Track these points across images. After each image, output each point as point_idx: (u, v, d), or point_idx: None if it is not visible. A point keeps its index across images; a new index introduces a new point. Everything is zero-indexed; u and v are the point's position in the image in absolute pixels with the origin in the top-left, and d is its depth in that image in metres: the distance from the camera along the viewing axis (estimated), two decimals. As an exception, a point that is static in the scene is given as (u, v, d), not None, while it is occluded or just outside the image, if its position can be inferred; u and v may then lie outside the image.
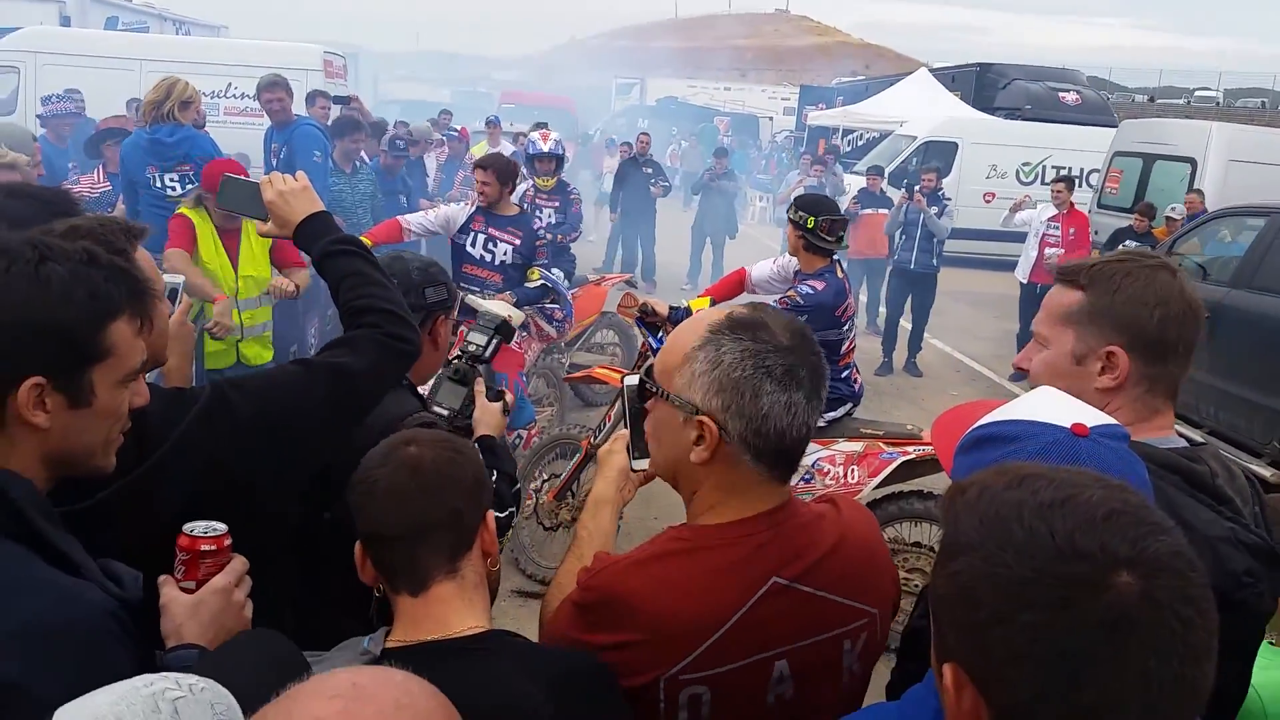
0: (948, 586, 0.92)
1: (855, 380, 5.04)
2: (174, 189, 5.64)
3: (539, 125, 9.46)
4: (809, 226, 4.84)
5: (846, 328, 4.87)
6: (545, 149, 8.27)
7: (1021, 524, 0.87)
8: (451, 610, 1.41)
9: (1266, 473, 6.79)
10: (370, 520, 1.44)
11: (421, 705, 0.77)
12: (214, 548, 1.47)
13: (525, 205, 7.84)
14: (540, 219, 8.06)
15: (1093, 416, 1.23)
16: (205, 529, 1.48)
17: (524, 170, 8.19)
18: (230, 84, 12.73)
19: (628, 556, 1.48)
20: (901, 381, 9.92)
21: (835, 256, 4.97)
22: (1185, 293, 1.59)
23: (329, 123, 8.16)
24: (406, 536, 1.42)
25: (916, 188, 10.40)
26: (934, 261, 10.23)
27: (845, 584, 1.46)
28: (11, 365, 1.27)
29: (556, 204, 8.32)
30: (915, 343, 10.61)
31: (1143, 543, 0.85)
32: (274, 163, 7.05)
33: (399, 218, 6.48)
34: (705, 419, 1.40)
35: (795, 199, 5.19)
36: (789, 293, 4.80)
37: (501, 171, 6.22)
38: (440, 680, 1.20)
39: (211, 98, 11.96)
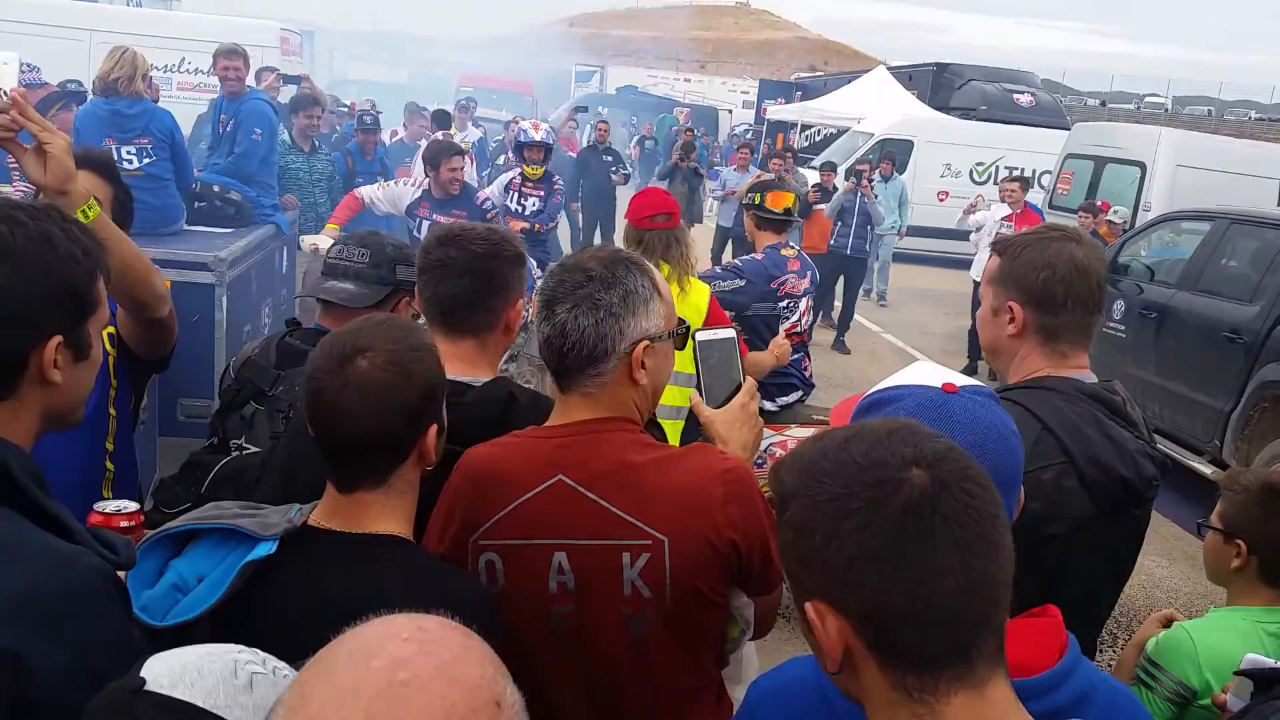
0: (787, 535, 1.05)
1: (806, 368, 5.11)
2: (130, 162, 5.52)
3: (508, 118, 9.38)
4: (757, 203, 4.96)
5: (784, 304, 4.83)
6: (537, 138, 8.28)
7: (827, 458, 1.03)
8: (369, 515, 1.54)
9: (1207, 470, 6.95)
10: (315, 425, 1.53)
11: (481, 649, 0.82)
12: (131, 524, 1.59)
13: (510, 193, 7.97)
14: (524, 207, 8.12)
15: (962, 380, 1.39)
16: (117, 508, 1.59)
17: (511, 157, 8.23)
18: (184, 58, 12.50)
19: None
20: (855, 374, 10.02)
21: (790, 242, 5.05)
22: (1075, 258, 1.90)
23: (279, 99, 8.03)
24: (343, 450, 1.52)
25: (864, 175, 11.07)
26: (866, 246, 11.38)
27: (633, 504, 1.60)
28: (40, 326, 1.33)
29: (541, 193, 8.32)
30: (845, 322, 11.39)
31: (922, 444, 1.02)
32: (220, 133, 6.91)
33: (357, 190, 6.49)
34: None
35: (749, 185, 5.36)
36: (719, 267, 5.06)
37: (456, 153, 6.43)
38: (330, 567, 1.45)
39: (164, 71, 11.71)
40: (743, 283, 4.73)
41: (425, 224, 6.21)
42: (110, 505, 1.60)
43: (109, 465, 2.44)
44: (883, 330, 12.31)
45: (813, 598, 1.02)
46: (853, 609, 0.98)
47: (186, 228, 5.90)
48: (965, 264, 11.01)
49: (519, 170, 8.33)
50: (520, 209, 8.09)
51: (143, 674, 1.03)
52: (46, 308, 1.33)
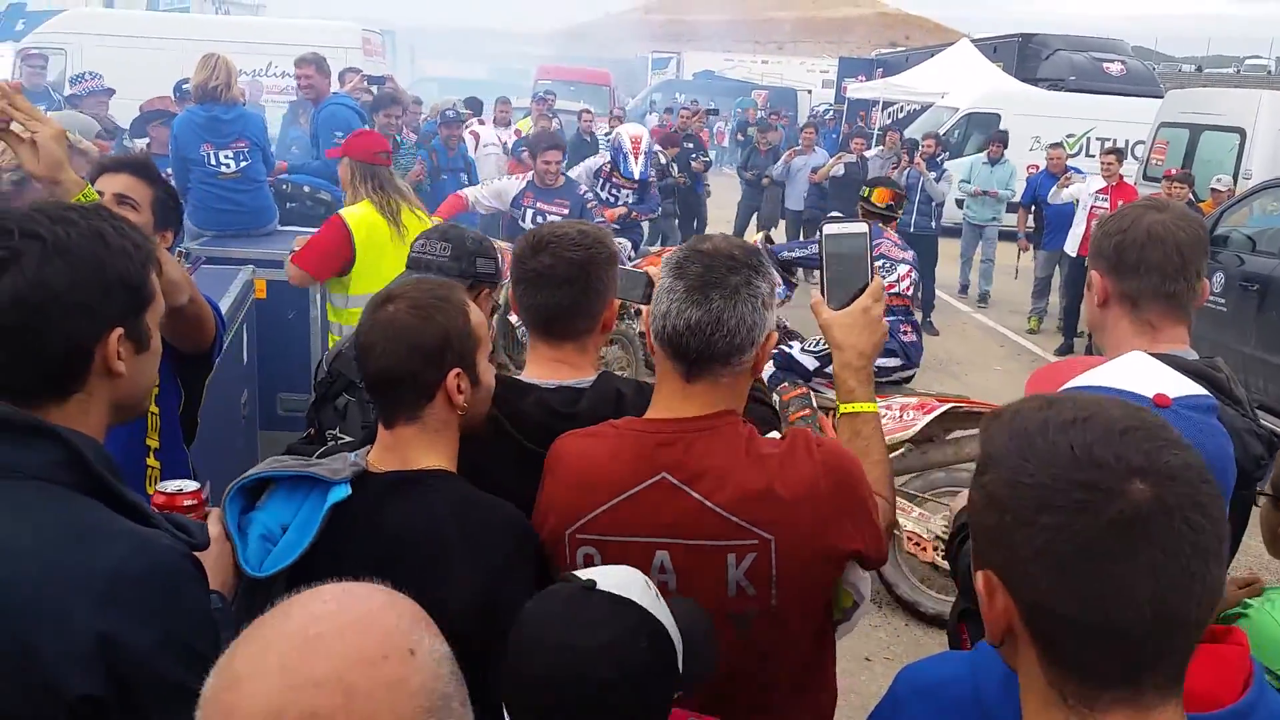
0: (979, 497, 0.99)
1: (906, 333, 5.29)
2: (229, 166, 5.72)
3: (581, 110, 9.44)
4: (864, 195, 6.04)
5: (880, 263, 5.19)
6: (635, 174, 8.17)
7: (1045, 437, 0.94)
8: (411, 449, 1.69)
9: (1316, 447, 6.69)
10: (356, 363, 1.74)
11: (402, 605, 0.85)
12: (194, 502, 1.67)
13: (600, 180, 8.11)
14: (617, 198, 8.23)
15: (1177, 387, 1.28)
16: (179, 487, 1.68)
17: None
18: (270, 63, 12.86)
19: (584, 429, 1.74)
20: (944, 356, 9.85)
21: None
22: (1150, 223, 1.88)
23: (363, 100, 8.20)
24: (374, 383, 1.71)
25: (917, 152, 10.65)
26: (932, 224, 10.79)
27: (738, 503, 1.57)
28: (100, 319, 1.38)
29: (635, 186, 8.41)
30: (929, 302, 10.80)
31: (1156, 454, 0.91)
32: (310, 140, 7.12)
33: (460, 191, 6.67)
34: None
35: (868, 181, 6.22)
36: None
37: (554, 146, 6.62)
38: (385, 503, 1.61)
39: (252, 76, 12.08)
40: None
41: (530, 213, 6.38)
42: (171, 485, 1.69)
43: (152, 462, 2.47)
44: (973, 310, 12.07)
45: (987, 568, 0.97)
46: (1025, 599, 0.93)
47: (280, 228, 6.09)
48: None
49: (610, 161, 8.33)
50: (612, 199, 8.21)
51: (587, 578, 1.34)
52: (105, 301, 1.38)
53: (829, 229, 1.87)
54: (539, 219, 6.38)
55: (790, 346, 5.27)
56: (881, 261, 5.24)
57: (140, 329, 1.45)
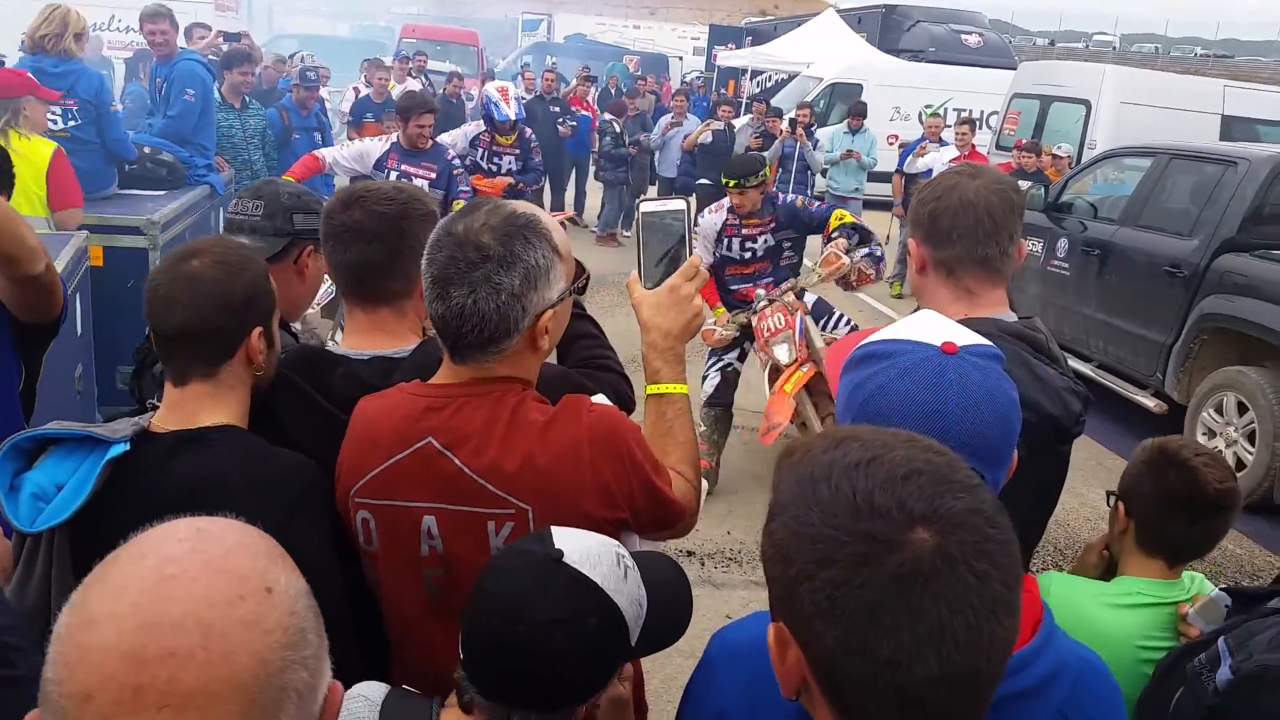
0: (766, 546, 0.94)
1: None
2: (55, 123, 5.35)
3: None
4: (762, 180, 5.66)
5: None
6: (510, 115, 8.17)
7: (829, 484, 0.90)
8: (202, 406, 1.67)
9: (1151, 403, 7.09)
10: (150, 318, 1.68)
11: (258, 544, 0.87)
12: None
13: (479, 150, 8.03)
14: (499, 166, 8.16)
15: (965, 337, 1.27)
16: None
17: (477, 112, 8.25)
18: (114, 16, 12.13)
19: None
20: (806, 321, 10.04)
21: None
22: (963, 190, 1.90)
23: (214, 56, 7.84)
24: (173, 338, 1.66)
25: (782, 120, 10.87)
26: (807, 192, 11.08)
27: (496, 472, 1.54)
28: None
29: (517, 151, 8.32)
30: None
31: (939, 500, 0.87)
32: (156, 97, 6.73)
33: (316, 152, 6.40)
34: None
35: (729, 171, 5.69)
36: (797, 200, 5.97)
37: (429, 110, 6.42)
38: (171, 459, 1.59)
39: (94, 30, 11.36)
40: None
41: (394, 175, 6.13)
42: None
43: None
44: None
45: (779, 620, 0.93)
46: (813, 657, 0.89)
47: (119, 192, 5.78)
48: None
49: (487, 129, 8.25)
50: (494, 169, 8.15)
51: (559, 546, 1.34)
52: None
53: (645, 206, 1.82)
54: (404, 181, 6.21)
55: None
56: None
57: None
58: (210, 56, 7.98)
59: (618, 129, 12.91)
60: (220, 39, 8.92)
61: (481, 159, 8.16)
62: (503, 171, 8.14)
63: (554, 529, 1.40)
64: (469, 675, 1.36)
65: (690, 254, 1.81)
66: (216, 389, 1.68)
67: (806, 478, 0.92)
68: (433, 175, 6.29)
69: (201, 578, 0.79)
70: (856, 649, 0.85)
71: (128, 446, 1.59)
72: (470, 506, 1.56)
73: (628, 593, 1.38)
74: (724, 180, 5.64)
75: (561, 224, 5.80)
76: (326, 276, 2.15)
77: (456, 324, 1.53)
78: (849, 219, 5.53)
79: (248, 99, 7.70)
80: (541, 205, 12.61)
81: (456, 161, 6.76)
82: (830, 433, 0.99)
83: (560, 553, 1.35)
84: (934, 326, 1.30)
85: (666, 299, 1.79)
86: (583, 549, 1.37)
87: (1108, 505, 2.25)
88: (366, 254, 1.84)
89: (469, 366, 1.59)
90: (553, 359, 1.96)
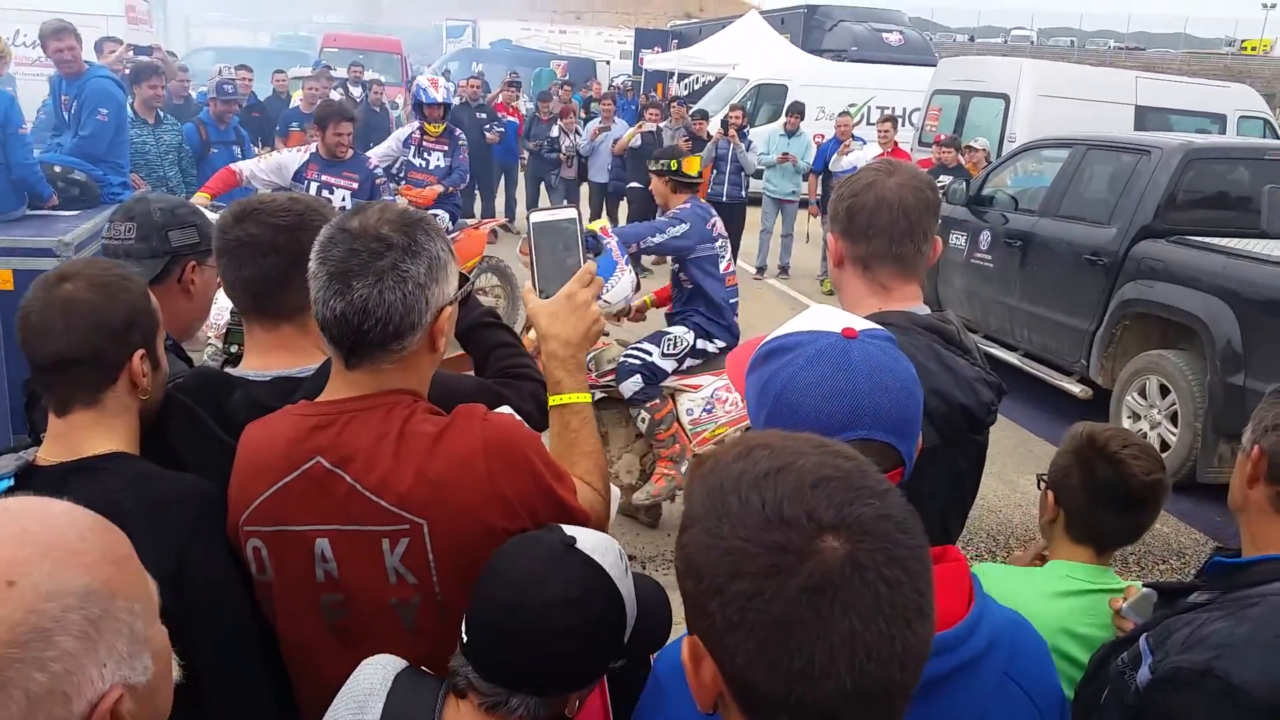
0: (678, 559, 0.93)
1: (737, 312, 5.39)
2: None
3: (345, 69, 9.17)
4: (674, 169, 5.30)
5: (719, 244, 5.22)
6: (438, 98, 8.25)
7: (739, 495, 0.88)
8: (86, 435, 1.59)
9: (1076, 389, 7.25)
10: (25, 347, 1.61)
11: (45, 539, 0.85)
12: None
13: (410, 148, 8.02)
14: (428, 161, 8.15)
15: (860, 323, 1.33)
16: None
17: (411, 114, 8.26)
18: (18, 30, 11.77)
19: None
20: (741, 322, 10.09)
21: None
22: (879, 187, 1.91)
23: (126, 71, 7.65)
24: (50, 367, 1.58)
25: (732, 124, 11.05)
26: (742, 194, 11.19)
27: (388, 487, 1.49)
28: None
29: (445, 148, 8.31)
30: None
31: (849, 508, 0.85)
32: (65, 115, 6.54)
33: (233, 165, 6.27)
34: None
35: (655, 154, 5.62)
36: (662, 217, 5.25)
37: (346, 118, 6.37)
38: (58, 493, 1.48)
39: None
40: (686, 225, 5.09)
41: (314, 186, 6.08)
42: None
43: None
44: (766, 276, 12.43)
45: (691, 634, 0.92)
46: (727, 671, 0.87)
47: (29, 213, 5.61)
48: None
49: (419, 125, 8.28)
50: (424, 163, 8.16)
51: (571, 534, 1.43)
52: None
53: (535, 216, 1.80)
54: (324, 193, 6.11)
55: (649, 353, 5.12)
56: (720, 242, 5.23)
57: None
58: (124, 71, 7.79)
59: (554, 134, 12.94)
60: (130, 53, 8.69)
61: (413, 156, 8.14)
62: (431, 167, 8.12)
63: (562, 526, 1.47)
64: (470, 657, 1.39)
65: (584, 261, 1.79)
66: (101, 416, 1.61)
67: (717, 489, 0.90)
68: (355, 185, 6.23)
69: None
70: (768, 663, 0.83)
71: (12, 483, 1.52)
72: (363, 525, 1.50)
73: (628, 587, 1.45)
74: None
75: (493, 231, 5.72)
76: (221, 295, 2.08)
77: (359, 320, 1.46)
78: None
79: (161, 114, 7.53)
80: (471, 211, 12.60)
81: (379, 170, 6.68)
82: (742, 440, 0.97)
83: (573, 539, 1.42)
84: (829, 317, 1.35)
85: (564, 307, 1.76)
86: (592, 540, 1.44)
87: (1038, 489, 2.27)
88: (263, 268, 1.76)
89: (365, 373, 1.53)
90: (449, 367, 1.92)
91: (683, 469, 5.14)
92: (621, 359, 5.10)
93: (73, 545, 0.85)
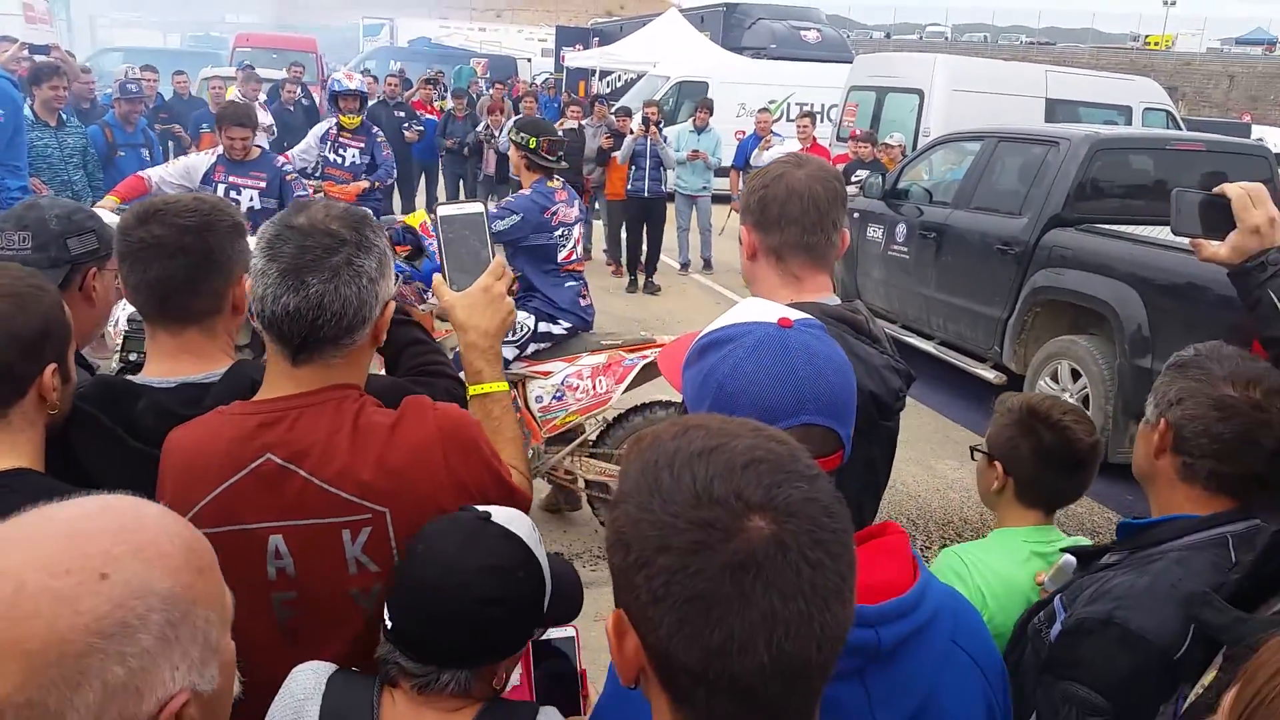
0: (610, 532, 0.94)
1: (584, 297, 5.24)
2: None
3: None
4: (531, 146, 5.16)
5: (559, 233, 5.10)
6: (352, 86, 8.27)
7: (671, 471, 0.90)
8: None
9: (990, 375, 7.41)
10: None
11: (139, 538, 0.88)
12: None
13: (327, 143, 8.00)
14: (344, 158, 8.09)
15: (795, 314, 1.35)
16: None
17: (327, 107, 8.32)
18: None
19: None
20: (664, 314, 10.15)
21: (555, 175, 5.26)
22: (790, 178, 1.95)
23: (19, 71, 7.40)
24: None
25: (651, 120, 11.16)
26: (662, 188, 11.27)
27: (347, 478, 1.52)
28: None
29: (362, 144, 8.23)
30: (652, 263, 11.46)
31: (777, 489, 0.87)
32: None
33: (141, 172, 6.14)
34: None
35: (516, 122, 5.53)
36: (494, 207, 5.10)
37: (239, 123, 6.27)
38: None
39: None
40: (517, 218, 4.98)
41: (223, 188, 6.03)
42: None
43: None
44: (691, 271, 12.49)
45: (619, 607, 0.93)
46: (650, 645, 0.89)
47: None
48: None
49: (335, 120, 8.21)
50: (339, 159, 8.10)
51: (484, 510, 1.50)
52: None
53: (442, 210, 1.84)
54: (231, 194, 6.02)
55: None
56: (560, 231, 5.11)
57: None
58: (19, 71, 7.53)
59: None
60: (25, 51, 8.41)
61: (329, 152, 8.10)
62: (348, 164, 8.07)
63: (476, 506, 1.53)
64: (398, 641, 1.43)
65: (494, 255, 1.85)
66: (5, 432, 1.54)
67: (650, 465, 0.92)
68: (263, 184, 6.20)
69: (45, 544, 0.83)
70: (689, 636, 0.85)
71: None
72: (321, 518, 1.52)
73: (543, 556, 1.51)
74: None
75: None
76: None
77: (312, 316, 1.48)
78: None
79: (64, 116, 7.28)
80: (391, 209, 12.44)
81: (289, 168, 6.59)
82: (680, 420, 0.99)
83: (488, 514, 1.49)
84: (762, 309, 1.37)
85: (480, 299, 1.82)
86: (506, 514, 1.51)
87: (973, 460, 2.39)
88: (169, 271, 1.70)
89: (313, 368, 1.55)
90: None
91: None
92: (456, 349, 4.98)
93: (163, 548, 0.88)
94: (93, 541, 0.84)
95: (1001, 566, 2.17)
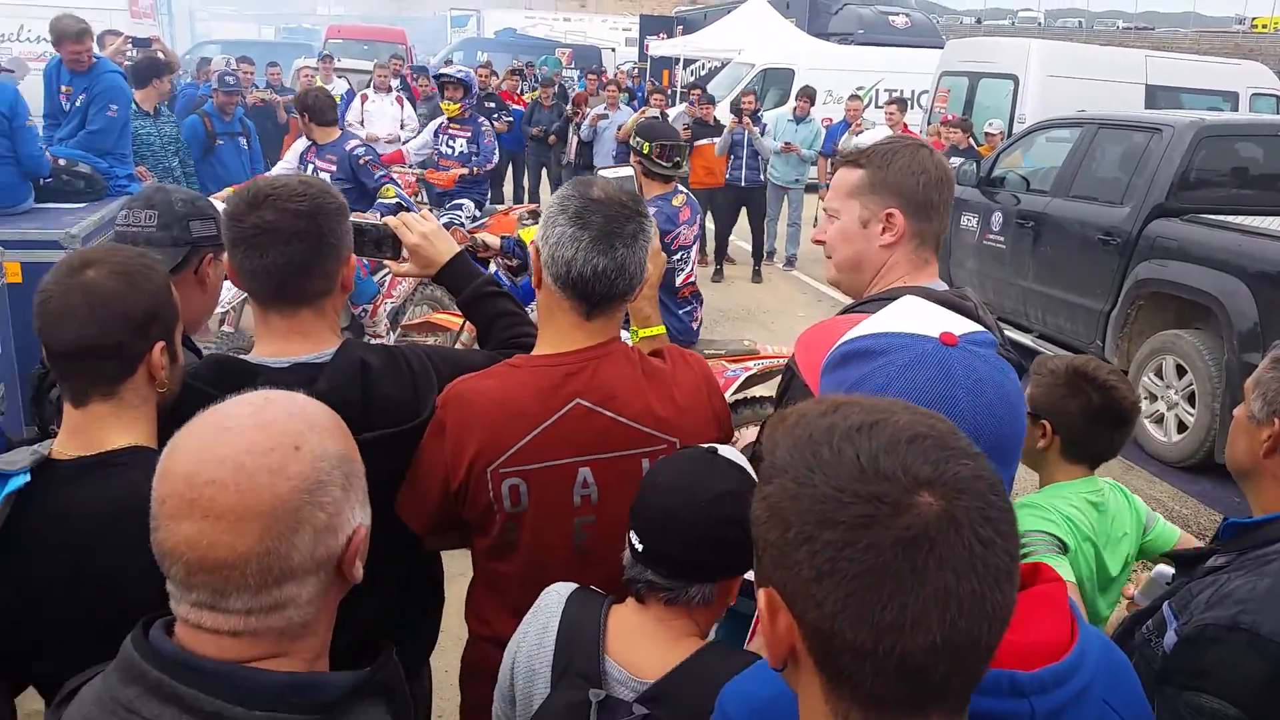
0: (761, 509, 0.92)
1: (696, 318, 4.97)
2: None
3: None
4: (644, 152, 4.92)
5: (678, 257, 4.75)
6: (452, 71, 8.54)
7: (830, 446, 0.87)
8: (105, 427, 1.56)
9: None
10: (42, 333, 1.57)
11: (309, 414, 1.11)
12: None
13: (440, 137, 8.28)
14: (453, 149, 8.27)
15: (959, 325, 1.18)
16: None
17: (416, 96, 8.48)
18: (22, 26, 11.74)
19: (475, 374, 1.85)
20: (753, 305, 10.06)
21: (678, 187, 4.99)
22: (939, 163, 1.97)
23: (125, 65, 7.64)
24: (69, 355, 1.55)
25: (744, 110, 10.86)
26: (760, 177, 11.08)
27: (644, 415, 1.82)
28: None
29: (468, 134, 8.34)
30: (759, 252, 11.34)
31: (945, 465, 0.85)
32: (65, 106, 6.51)
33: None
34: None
35: (637, 126, 5.22)
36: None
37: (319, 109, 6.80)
38: (75, 488, 1.51)
39: (3, 40, 11.03)
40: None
41: (310, 168, 6.54)
42: None
43: None
44: (780, 262, 12.35)
45: (769, 586, 0.90)
46: (808, 622, 0.86)
47: (36, 206, 5.60)
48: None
49: (444, 115, 8.42)
50: (450, 150, 8.31)
51: (711, 445, 1.71)
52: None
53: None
54: (315, 175, 6.24)
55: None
56: (679, 255, 4.72)
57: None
58: (124, 63, 7.77)
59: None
60: (129, 44, 8.69)
61: (442, 145, 8.32)
62: (456, 155, 8.22)
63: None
64: (648, 561, 1.58)
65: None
66: (119, 408, 1.57)
67: (805, 440, 0.90)
68: (333, 168, 6.62)
69: (246, 432, 1.05)
70: (857, 613, 0.82)
71: (28, 478, 1.47)
72: (625, 450, 1.82)
73: None
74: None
75: (523, 215, 5.61)
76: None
77: (614, 275, 1.76)
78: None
79: (160, 106, 7.54)
80: (500, 195, 12.60)
81: (360, 150, 6.76)
82: (824, 399, 0.96)
83: (714, 448, 1.67)
84: (924, 315, 1.21)
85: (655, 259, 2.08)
86: (726, 449, 1.68)
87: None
88: (286, 256, 1.72)
89: (601, 322, 1.82)
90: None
91: None
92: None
93: (325, 423, 1.12)
94: (278, 424, 1.07)
95: (1068, 512, 2.29)
